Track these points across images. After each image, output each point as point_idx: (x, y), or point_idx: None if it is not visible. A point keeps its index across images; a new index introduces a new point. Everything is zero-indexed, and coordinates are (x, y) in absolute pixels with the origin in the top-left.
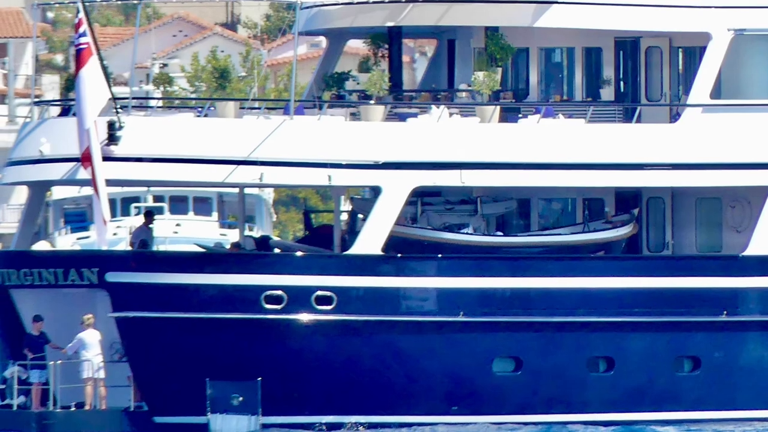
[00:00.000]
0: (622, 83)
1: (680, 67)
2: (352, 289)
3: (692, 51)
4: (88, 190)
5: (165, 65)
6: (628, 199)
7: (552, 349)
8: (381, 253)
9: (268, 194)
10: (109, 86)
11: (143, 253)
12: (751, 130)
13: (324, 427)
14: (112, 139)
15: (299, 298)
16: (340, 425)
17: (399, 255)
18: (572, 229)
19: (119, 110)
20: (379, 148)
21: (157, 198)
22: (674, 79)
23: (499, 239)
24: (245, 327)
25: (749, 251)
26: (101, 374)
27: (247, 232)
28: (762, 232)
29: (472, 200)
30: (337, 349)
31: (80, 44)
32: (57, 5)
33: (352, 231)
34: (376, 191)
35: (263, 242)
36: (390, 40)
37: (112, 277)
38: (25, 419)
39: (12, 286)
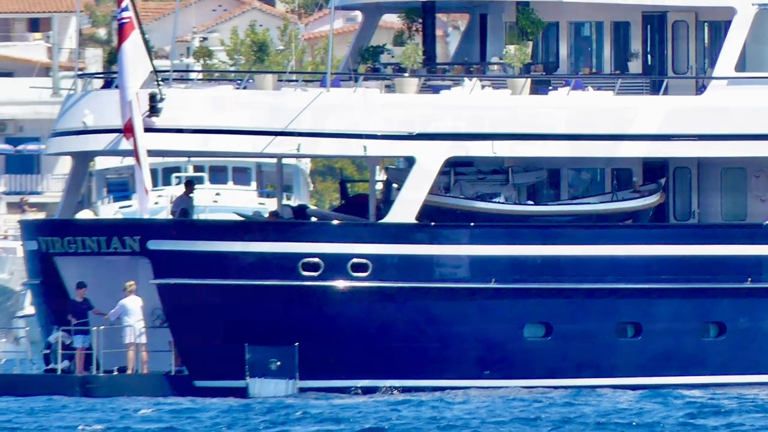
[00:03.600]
0: (649, 56)
1: (706, 40)
2: (387, 257)
3: (718, 25)
4: (130, 161)
5: (205, 39)
6: (655, 169)
7: (581, 315)
8: (415, 221)
9: (305, 164)
10: (151, 59)
11: (184, 222)
12: None
13: (359, 391)
14: (154, 110)
15: (335, 265)
16: (375, 389)
17: (432, 223)
18: (601, 198)
19: (160, 83)
20: (413, 119)
21: (198, 168)
22: (700, 52)
23: (530, 208)
24: (283, 293)
25: None
26: (143, 339)
27: (284, 202)
28: None
29: (503, 170)
30: (373, 315)
31: (122, 18)
32: None
33: (387, 200)
34: (410, 161)
35: (300, 211)
36: (424, 14)
37: (154, 244)
38: (69, 383)
39: (56, 254)
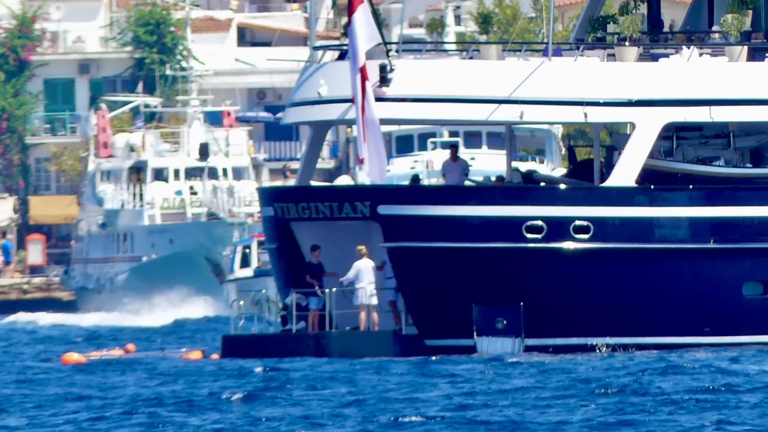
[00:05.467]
0: None
1: None
2: (608, 219)
3: None
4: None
5: (458, 7)
6: None
7: None
8: (635, 185)
9: (557, 129)
10: (380, 31)
11: (413, 187)
12: None
13: (602, 348)
14: (384, 81)
15: (558, 227)
16: (593, 347)
17: (652, 186)
18: None
19: (390, 54)
20: (632, 86)
21: (452, 133)
22: None
23: (748, 170)
24: (508, 255)
25: None
26: (374, 301)
27: (536, 165)
28: None
29: (725, 134)
30: (594, 276)
31: None
32: None
33: (610, 165)
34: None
35: (529, 176)
36: None
37: (384, 209)
38: (304, 341)
39: (292, 219)
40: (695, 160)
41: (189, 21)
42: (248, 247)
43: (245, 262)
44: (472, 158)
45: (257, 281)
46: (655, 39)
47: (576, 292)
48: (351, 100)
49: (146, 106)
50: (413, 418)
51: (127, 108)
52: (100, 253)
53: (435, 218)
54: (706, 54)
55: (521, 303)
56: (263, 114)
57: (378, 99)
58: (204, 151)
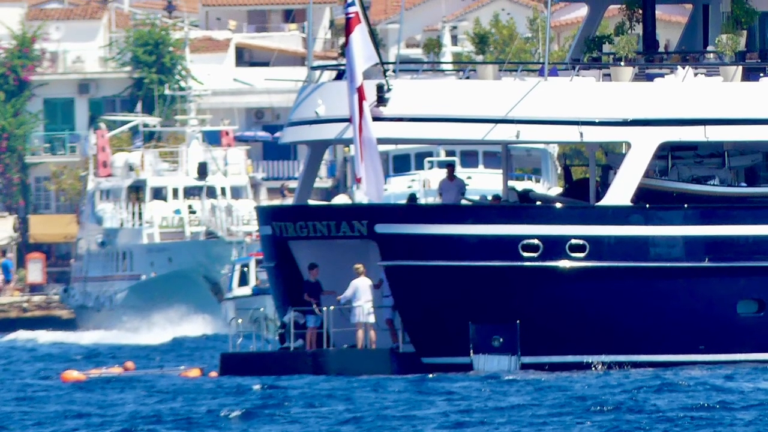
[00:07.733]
0: None
1: None
2: (604, 238)
3: None
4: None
5: (454, 28)
6: None
7: None
8: (630, 204)
9: (553, 148)
10: (377, 52)
11: (410, 207)
12: None
13: (598, 366)
14: (381, 100)
15: (554, 246)
16: (589, 364)
17: (647, 205)
18: None
19: (387, 74)
20: (627, 106)
21: (449, 153)
22: None
23: (742, 189)
24: (505, 273)
25: None
26: (371, 319)
27: (532, 185)
28: None
29: (719, 154)
30: (590, 294)
31: (349, 13)
32: None
33: (606, 184)
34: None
35: (525, 195)
36: (644, 4)
37: (381, 228)
38: (302, 359)
39: (290, 238)
40: (690, 179)
41: (187, 41)
42: (246, 265)
43: (243, 281)
44: (469, 177)
45: (255, 299)
46: (651, 59)
47: (572, 310)
48: (348, 120)
49: (145, 125)
50: None
51: (126, 127)
52: (99, 271)
53: (432, 237)
54: (701, 74)
55: (517, 321)
56: (261, 133)
57: (375, 118)
58: (202, 171)
